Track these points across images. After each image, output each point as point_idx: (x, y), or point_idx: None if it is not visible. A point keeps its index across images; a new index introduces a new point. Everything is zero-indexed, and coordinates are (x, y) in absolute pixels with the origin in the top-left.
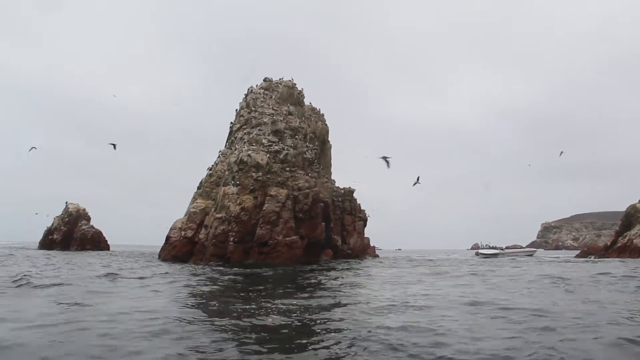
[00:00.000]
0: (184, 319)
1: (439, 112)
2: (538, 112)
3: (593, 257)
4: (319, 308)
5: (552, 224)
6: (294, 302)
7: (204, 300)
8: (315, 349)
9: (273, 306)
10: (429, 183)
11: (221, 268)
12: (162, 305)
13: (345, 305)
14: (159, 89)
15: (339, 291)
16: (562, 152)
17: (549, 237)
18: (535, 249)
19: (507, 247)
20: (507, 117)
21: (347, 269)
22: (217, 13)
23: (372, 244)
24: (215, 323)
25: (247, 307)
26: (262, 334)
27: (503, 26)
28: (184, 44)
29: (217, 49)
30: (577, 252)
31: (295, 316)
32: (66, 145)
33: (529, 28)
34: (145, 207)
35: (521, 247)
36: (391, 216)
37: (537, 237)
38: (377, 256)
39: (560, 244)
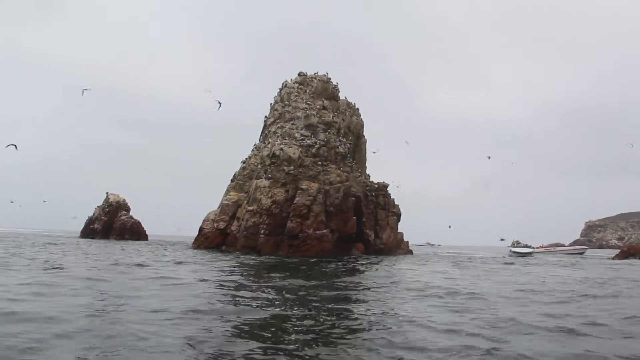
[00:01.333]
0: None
1: (479, 105)
2: (583, 104)
3: (634, 257)
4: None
5: (597, 223)
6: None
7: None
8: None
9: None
10: (468, 178)
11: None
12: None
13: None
14: (201, 78)
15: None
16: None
17: (593, 235)
18: (585, 247)
19: (549, 245)
20: (550, 109)
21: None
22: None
23: (405, 239)
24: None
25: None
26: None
27: (545, 13)
28: (222, 34)
29: (257, 38)
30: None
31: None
32: (112, 136)
33: (572, 14)
34: (188, 196)
35: (563, 246)
36: (429, 210)
37: (581, 236)
38: (411, 252)
39: (604, 243)
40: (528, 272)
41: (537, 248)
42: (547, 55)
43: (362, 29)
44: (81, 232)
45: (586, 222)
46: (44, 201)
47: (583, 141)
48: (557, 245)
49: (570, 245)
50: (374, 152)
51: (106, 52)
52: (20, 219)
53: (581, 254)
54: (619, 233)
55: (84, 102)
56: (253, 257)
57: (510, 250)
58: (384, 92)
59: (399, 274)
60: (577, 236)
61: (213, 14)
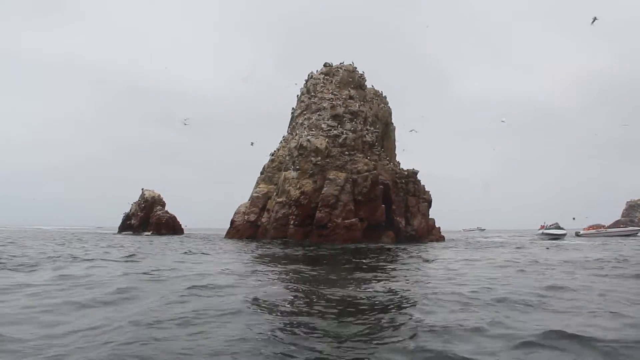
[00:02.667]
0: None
1: (519, 87)
2: (626, 85)
3: None
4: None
5: (639, 202)
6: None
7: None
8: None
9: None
10: (506, 160)
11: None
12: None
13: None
14: (231, 72)
15: None
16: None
17: (635, 215)
18: (637, 228)
19: (591, 227)
20: (592, 91)
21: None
22: None
23: (437, 225)
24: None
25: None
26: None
27: None
28: (251, 28)
29: (288, 30)
30: None
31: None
32: (145, 133)
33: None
34: (223, 189)
35: (604, 227)
36: (466, 194)
37: (622, 216)
38: (443, 238)
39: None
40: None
41: (584, 230)
42: (577, 31)
43: (394, 16)
44: (119, 227)
45: (627, 202)
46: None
47: (621, 118)
48: (599, 226)
49: (611, 226)
50: (411, 131)
51: (137, 53)
52: (55, 216)
53: (635, 234)
54: None
55: (119, 101)
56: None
57: (542, 233)
58: (416, 78)
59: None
60: (618, 216)
61: (243, 7)
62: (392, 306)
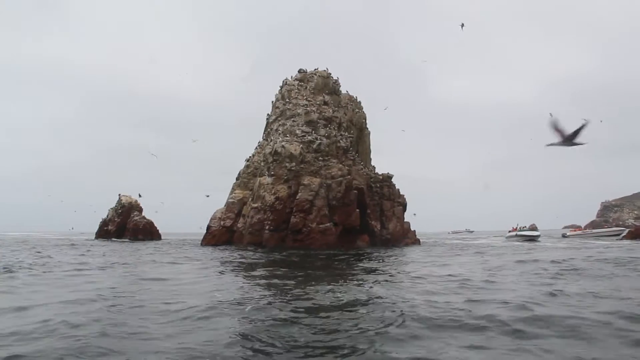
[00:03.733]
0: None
1: (495, 89)
2: (597, 83)
3: None
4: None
5: (613, 202)
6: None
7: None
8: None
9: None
10: (483, 163)
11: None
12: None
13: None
14: (210, 77)
15: None
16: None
17: (609, 216)
18: (622, 228)
19: (577, 229)
20: (564, 90)
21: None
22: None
23: (422, 227)
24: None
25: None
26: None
27: None
28: (230, 33)
29: (264, 33)
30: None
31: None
32: (124, 138)
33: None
34: (201, 193)
35: (580, 228)
36: (446, 197)
37: (597, 217)
38: (419, 241)
39: (620, 223)
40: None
41: (570, 231)
42: (556, 33)
43: (370, 17)
44: (96, 233)
45: (602, 203)
46: (62, 201)
47: (595, 120)
48: (573, 227)
49: (587, 227)
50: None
51: (119, 57)
52: (30, 222)
53: (619, 234)
54: (635, 212)
55: (101, 106)
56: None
57: (516, 234)
58: (395, 80)
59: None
60: (593, 217)
61: (220, 14)
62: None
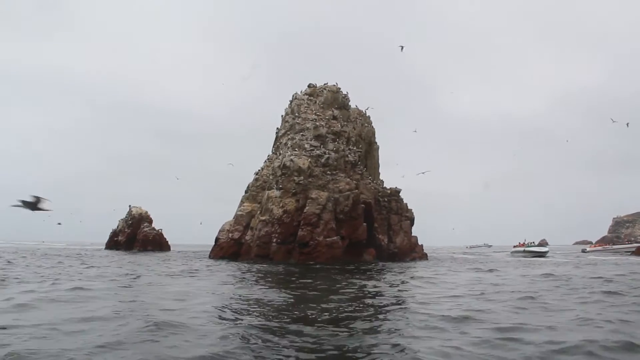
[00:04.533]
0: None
1: (504, 102)
2: (607, 96)
3: None
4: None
5: (625, 218)
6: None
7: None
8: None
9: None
10: (490, 177)
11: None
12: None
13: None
14: (220, 89)
15: None
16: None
17: (621, 232)
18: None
19: (598, 244)
20: (573, 104)
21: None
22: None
23: (435, 241)
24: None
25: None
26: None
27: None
28: (239, 41)
29: (276, 44)
30: None
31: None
32: (135, 148)
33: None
34: (215, 206)
35: (601, 244)
36: (452, 211)
37: (608, 232)
38: (426, 256)
39: (632, 239)
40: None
41: (590, 247)
42: (565, 47)
43: (378, 29)
44: (106, 244)
45: (614, 218)
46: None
47: (607, 135)
48: (584, 243)
49: (598, 242)
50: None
51: (125, 65)
52: (38, 233)
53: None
54: None
55: (106, 114)
56: (265, 266)
57: (524, 250)
58: (402, 93)
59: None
60: (605, 233)
61: (228, 24)
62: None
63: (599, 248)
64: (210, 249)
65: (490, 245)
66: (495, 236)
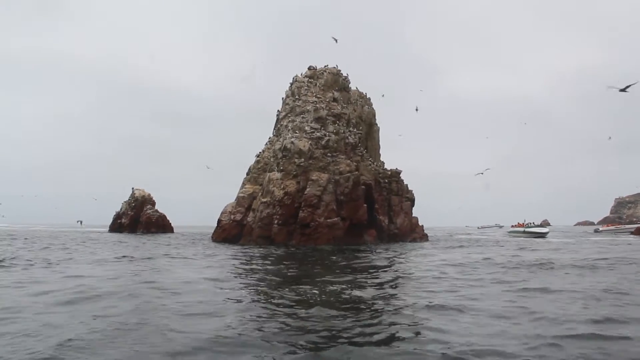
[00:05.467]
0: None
1: (506, 85)
2: (609, 78)
3: None
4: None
5: (627, 199)
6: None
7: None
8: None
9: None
10: (495, 159)
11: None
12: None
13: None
14: (223, 71)
15: None
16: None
17: (623, 212)
18: None
19: (610, 224)
20: (577, 86)
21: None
22: None
23: (421, 223)
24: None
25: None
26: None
27: None
28: (240, 23)
29: (275, 26)
30: None
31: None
32: (138, 130)
33: None
34: (216, 186)
35: (593, 224)
36: (457, 192)
37: (610, 213)
38: (426, 236)
39: (634, 219)
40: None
41: (603, 227)
42: (566, 27)
43: (382, 16)
44: (109, 226)
45: (616, 199)
46: (95, 199)
47: (608, 117)
48: (585, 223)
49: (599, 223)
50: (400, 135)
51: (131, 51)
52: (44, 214)
53: None
54: None
55: (111, 99)
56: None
57: (524, 231)
58: (406, 76)
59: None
60: (607, 213)
61: (230, 8)
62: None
63: (612, 228)
64: (212, 231)
65: (502, 226)
66: (500, 217)
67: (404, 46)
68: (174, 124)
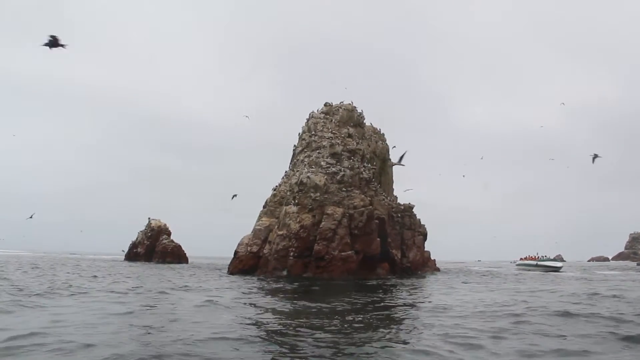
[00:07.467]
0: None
1: (515, 116)
2: (623, 111)
3: None
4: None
5: None
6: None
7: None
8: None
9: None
10: (503, 191)
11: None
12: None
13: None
14: (235, 101)
15: None
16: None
17: (638, 247)
18: None
19: (591, 259)
20: (589, 118)
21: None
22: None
23: (433, 257)
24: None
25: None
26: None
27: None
28: (258, 56)
29: (291, 58)
30: None
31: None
32: (151, 160)
33: (613, 20)
34: (229, 218)
35: (607, 260)
36: (465, 226)
37: (625, 248)
38: (438, 269)
39: None
40: None
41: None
42: (579, 59)
43: (389, 45)
44: (125, 255)
45: (631, 234)
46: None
47: (622, 150)
48: (599, 259)
49: (614, 259)
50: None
51: (145, 80)
52: (61, 243)
53: None
54: None
55: (128, 128)
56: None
57: (536, 264)
58: (414, 106)
59: None
60: (622, 249)
61: (247, 38)
62: None
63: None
64: (227, 262)
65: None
66: (516, 251)
67: (418, 82)
68: (190, 155)
